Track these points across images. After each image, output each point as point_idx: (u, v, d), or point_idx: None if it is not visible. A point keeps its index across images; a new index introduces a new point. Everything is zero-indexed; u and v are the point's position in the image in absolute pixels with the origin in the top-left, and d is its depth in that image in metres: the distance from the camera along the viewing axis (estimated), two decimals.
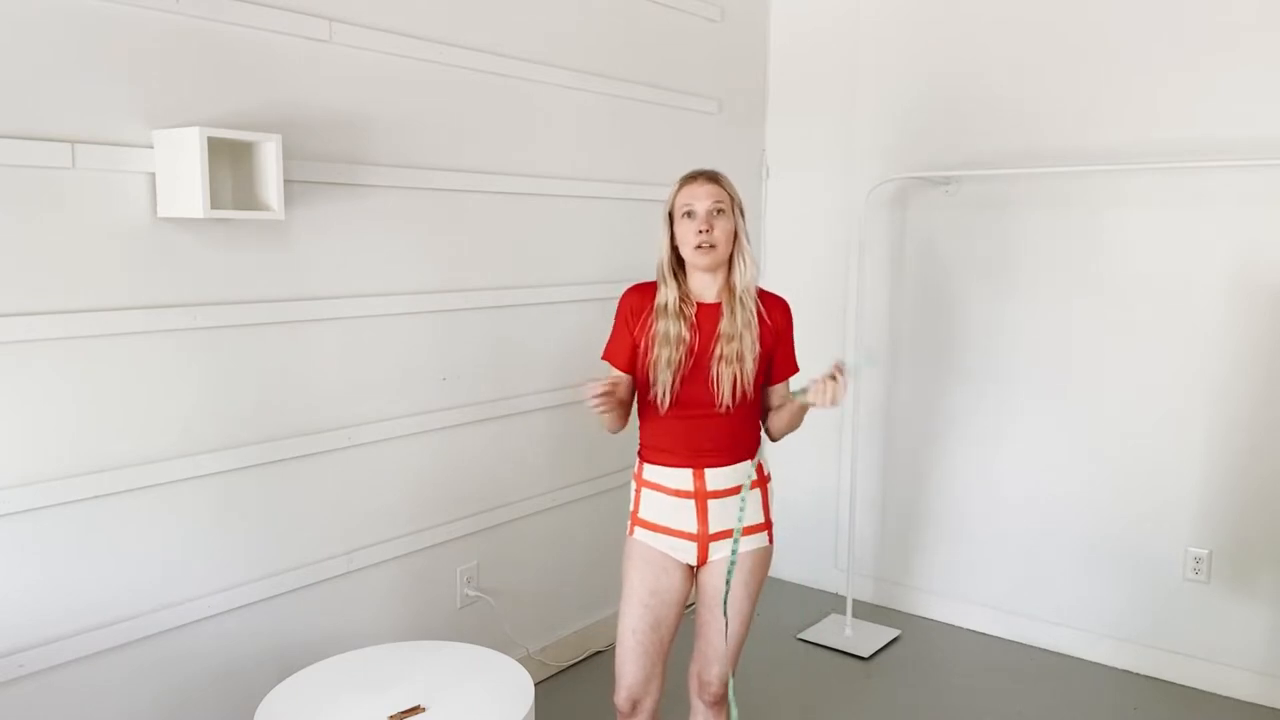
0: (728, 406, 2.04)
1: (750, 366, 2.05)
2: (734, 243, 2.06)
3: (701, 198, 2.03)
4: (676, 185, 2.08)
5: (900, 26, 3.57)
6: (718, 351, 2.03)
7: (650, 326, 2.06)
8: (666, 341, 2.03)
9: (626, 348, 2.11)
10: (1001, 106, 3.36)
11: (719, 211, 2.03)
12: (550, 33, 2.96)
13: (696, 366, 2.04)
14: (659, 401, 2.04)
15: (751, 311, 2.06)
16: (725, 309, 2.06)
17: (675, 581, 2.11)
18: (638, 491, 2.15)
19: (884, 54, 3.62)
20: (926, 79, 3.53)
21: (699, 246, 2.01)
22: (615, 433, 2.18)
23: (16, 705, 1.96)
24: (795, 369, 2.18)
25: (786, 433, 2.21)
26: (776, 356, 2.13)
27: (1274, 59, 2.87)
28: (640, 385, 2.12)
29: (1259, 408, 2.98)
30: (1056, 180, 3.26)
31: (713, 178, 2.06)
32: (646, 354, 2.07)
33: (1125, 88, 3.12)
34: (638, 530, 2.14)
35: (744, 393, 2.04)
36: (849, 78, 3.71)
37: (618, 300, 2.16)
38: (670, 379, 2.02)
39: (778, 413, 2.17)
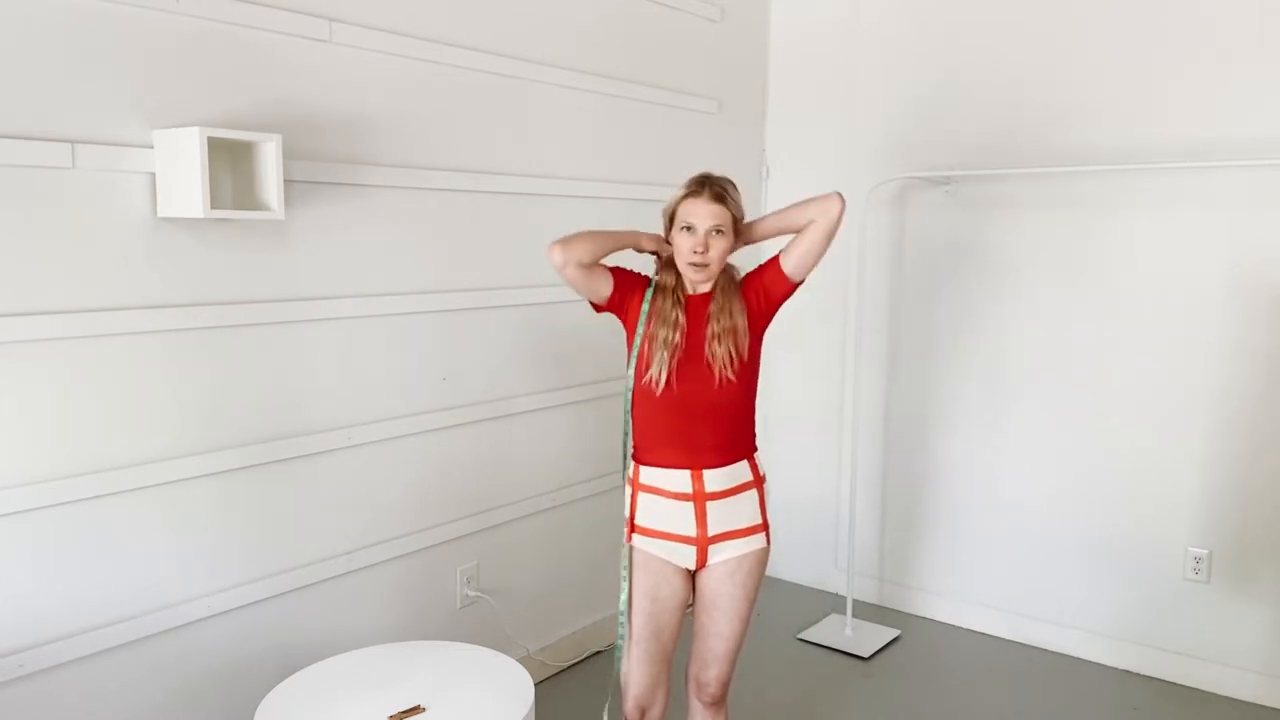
0: (728, 379, 2.03)
1: (743, 332, 2.05)
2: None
3: (703, 217, 2.02)
4: (682, 190, 2.07)
5: (900, 26, 3.57)
6: (710, 331, 2.05)
7: (643, 301, 2.08)
8: (665, 322, 2.05)
9: (615, 287, 2.09)
10: (1002, 106, 3.36)
11: (718, 232, 2.03)
12: (550, 33, 2.96)
13: (691, 347, 2.05)
14: (656, 381, 2.03)
15: (736, 292, 2.09)
16: (714, 296, 2.09)
17: (675, 587, 2.11)
18: (634, 496, 2.13)
19: (884, 54, 3.62)
20: (927, 79, 3.53)
21: (692, 263, 2.04)
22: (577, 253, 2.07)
23: (16, 705, 1.96)
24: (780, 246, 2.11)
25: (815, 244, 2.05)
26: (766, 279, 2.09)
27: (1275, 59, 2.87)
28: (635, 375, 2.10)
29: (1260, 408, 2.98)
30: (1056, 180, 3.25)
31: (719, 195, 2.04)
32: (633, 331, 2.10)
33: (1125, 88, 3.12)
34: (635, 537, 2.13)
35: (740, 361, 2.04)
36: (849, 77, 3.71)
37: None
38: (667, 359, 2.03)
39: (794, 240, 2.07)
